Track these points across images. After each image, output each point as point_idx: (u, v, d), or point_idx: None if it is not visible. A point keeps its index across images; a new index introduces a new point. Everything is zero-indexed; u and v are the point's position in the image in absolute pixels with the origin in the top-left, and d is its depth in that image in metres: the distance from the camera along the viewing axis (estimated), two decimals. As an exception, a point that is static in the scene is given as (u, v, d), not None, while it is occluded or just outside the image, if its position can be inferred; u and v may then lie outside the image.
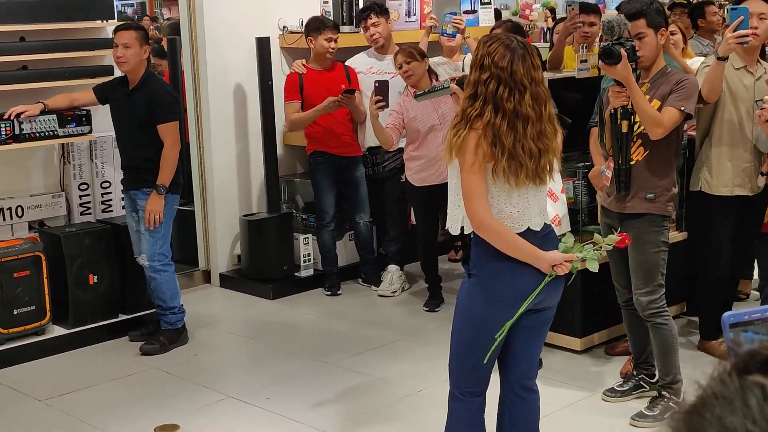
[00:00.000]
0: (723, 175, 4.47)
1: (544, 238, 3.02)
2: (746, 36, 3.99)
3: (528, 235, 2.96)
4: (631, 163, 3.95)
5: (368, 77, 5.78)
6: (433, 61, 5.62)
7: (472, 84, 2.93)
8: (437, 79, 5.42)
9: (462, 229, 3.01)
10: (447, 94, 3.55)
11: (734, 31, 3.97)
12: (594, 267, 3.10)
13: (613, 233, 4.13)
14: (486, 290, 2.97)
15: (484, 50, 2.93)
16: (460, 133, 2.89)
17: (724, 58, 4.10)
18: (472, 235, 2.99)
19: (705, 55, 5.12)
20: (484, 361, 3.01)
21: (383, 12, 5.87)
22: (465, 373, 3.09)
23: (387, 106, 5.21)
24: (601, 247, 3.11)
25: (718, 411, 0.70)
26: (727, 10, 4.41)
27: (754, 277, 5.47)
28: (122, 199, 5.38)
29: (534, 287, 2.95)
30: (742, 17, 3.98)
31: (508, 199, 2.94)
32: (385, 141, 5.31)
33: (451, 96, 3.38)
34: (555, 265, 2.94)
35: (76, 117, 5.06)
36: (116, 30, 4.88)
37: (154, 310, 5.10)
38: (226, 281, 6.12)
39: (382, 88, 5.20)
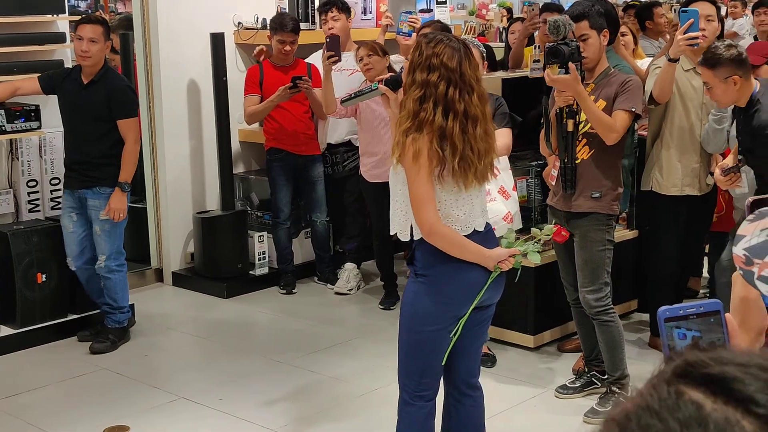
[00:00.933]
0: (673, 175, 4.52)
1: (486, 236, 3.04)
2: (696, 38, 4.04)
3: (473, 235, 2.98)
4: (577, 162, 3.99)
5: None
6: (391, 59, 5.61)
7: (419, 85, 2.88)
8: None
9: (412, 234, 2.99)
10: (376, 96, 3.45)
11: (684, 33, 4.02)
12: (536, 258, 3.16)
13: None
14: (435, 291, 2.97)
15: (430, 51, 2.89)
16: (415, 137, 2.85)
17: (675, 60, 4.15)
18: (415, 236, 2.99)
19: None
20: (443, 362, 3.00)
21: (345, 9, 5.83)
22: (415, 376, 3.06)
23: (339, 60, 5.23)
24: (540, 240, 3.14)
25: (654, 428, 0.68)
26: (677, 11, 4.45)
27: (703, 275, 5.56)
28: (52, 199, 5.26)
29: (481, 284, 2.97)
30: (692, 19, 4.03)
31: (455, 203, 2.94)
32: (329, 104, 5.21)
33: (381, 97, 3.28)
34: (500, 261, 2.97)
35: (24, 112, 4.96)
36: (80, 23, 4.78)
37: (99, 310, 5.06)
38: (179, 280, 6.04)
39: (333, 43, 5.18)
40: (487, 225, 3.07)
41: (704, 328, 1.10)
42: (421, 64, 2.89)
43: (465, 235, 2.96)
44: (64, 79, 4.85)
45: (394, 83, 3.14)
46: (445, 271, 2.94)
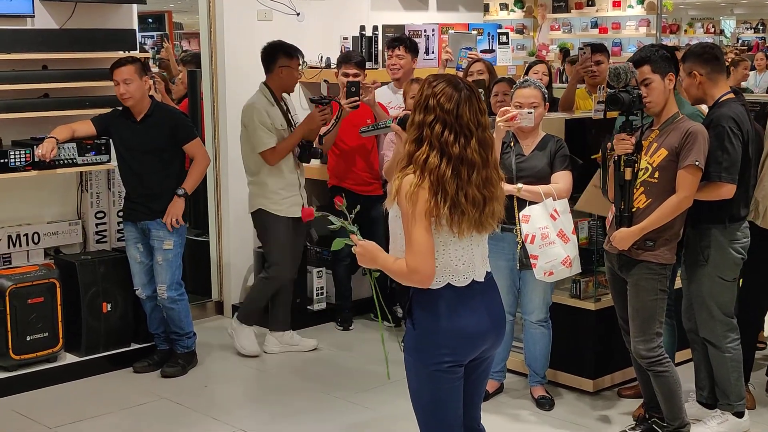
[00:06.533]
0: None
1: (486, 286, 2.93)
2: None
3: (472, 286, 2.86)
4: (633, 210, 3.96)
5: (391, 112, 5.82)
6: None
7: (416, 126, 2.80)
8: None
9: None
10: (389, 132, 3.45)
11: None
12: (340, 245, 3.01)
13: (615, 278, 4.12)
14: (432, 342, 2.85)
15: (429, 90, 2.79)
16: (409, 179, 2.76)
17: None
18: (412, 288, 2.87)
19: None
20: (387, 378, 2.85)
21: (413, 49, 5.89)
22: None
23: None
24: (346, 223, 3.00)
25: None
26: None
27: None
28: (119, 230, 5.40)
29: (480, 334, 2.87)
30: None
31: (454, 253, 2.83)
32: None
33: (394, 135, 3.28)
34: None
35: (95, 146, 5.10)
36: (113, 68, 4.87)
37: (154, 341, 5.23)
38: (239, 313, 6.11)
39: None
40: (488, 275, 2.94)
41: None
42: (419, 105, 2.82)
43: (462, 287, 2.85)
44: (116, 119, 4.99)
45: (405, 123, 3.06)
46: (441, 322, 2.83)
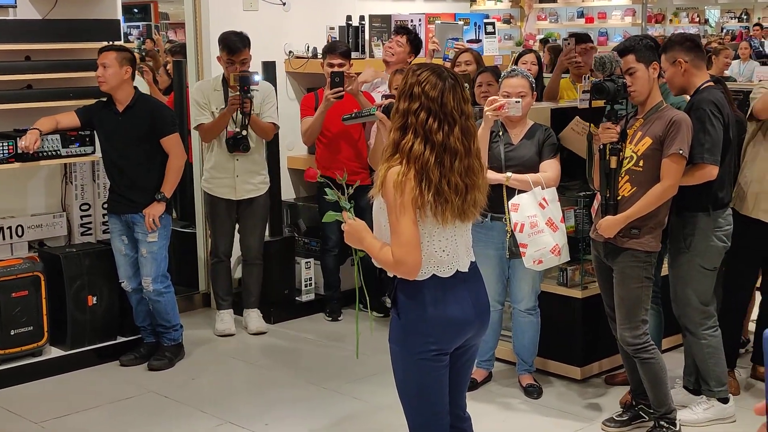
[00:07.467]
0: (753, 197, 4.43)
1: (470, 276, 2.91)
2: None
3: (456, 277, 2.85)
4: (618, 198, 3.97)
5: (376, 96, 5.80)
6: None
7: (401, 113, 2.81)
8: None
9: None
10: (373, 120, 3.44)
11: None
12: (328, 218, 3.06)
13: (602, 266, 4.13)
14: (417, 331, 2.84)
15: (414, 79, 2.80)
16: (395, 169, 2.75)
17: None
18: (396, 277, 2.87)
19: None
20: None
21: (415, 44, 5.85)
22: (425, 424, 2.95)
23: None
24: (343, 197, 3.00)
25: None
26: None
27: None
28: (104, 222, 5.37)
29: (465, 322, 2.86)
30: None
31: (438, 243, 2.82)
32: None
33: (377, 123, 3.27)
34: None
35: (79, 137, 5.06)
36: (99, 51, 4.87)
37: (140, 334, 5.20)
38: (226, 304, 6.07)
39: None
40: (472, 264, 2.93)
41: None
42: (404, 93, 2.82)
43: (446, 277, 2.84)
44: (99, 111, 4.95)
45: (389, 111, 3.05)
46: (426, 312, 2.83)
